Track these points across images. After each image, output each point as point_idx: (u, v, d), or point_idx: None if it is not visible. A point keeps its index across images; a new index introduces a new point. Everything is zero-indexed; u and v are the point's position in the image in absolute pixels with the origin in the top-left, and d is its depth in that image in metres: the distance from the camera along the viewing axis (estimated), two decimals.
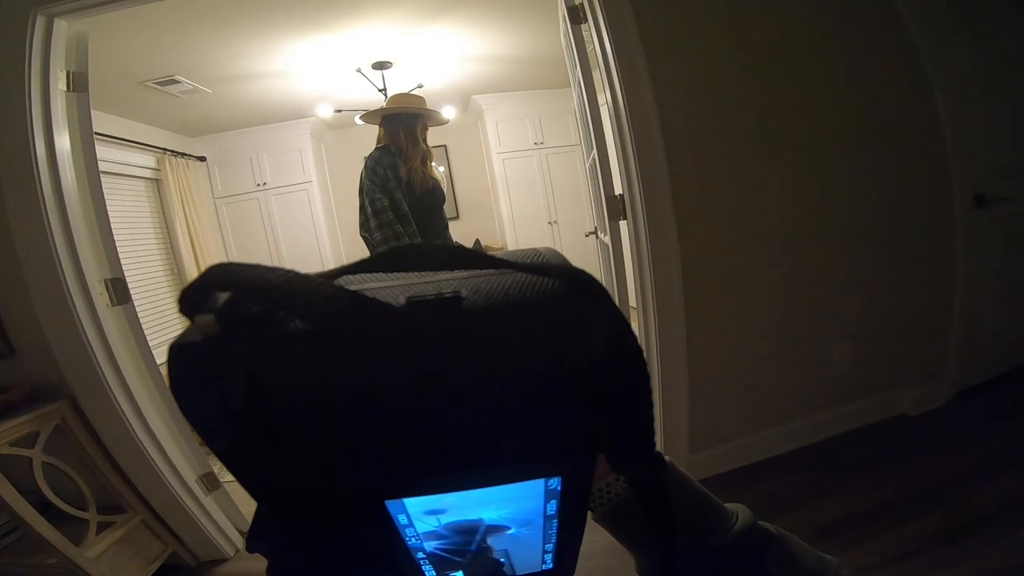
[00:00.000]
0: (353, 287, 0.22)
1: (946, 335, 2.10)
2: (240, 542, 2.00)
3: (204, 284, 0.19)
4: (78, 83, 1.62)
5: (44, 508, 1.53)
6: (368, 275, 0.25)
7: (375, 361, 0.20)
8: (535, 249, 0.28)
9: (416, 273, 0.25)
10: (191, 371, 0.19)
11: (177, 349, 0.19)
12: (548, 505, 0.27)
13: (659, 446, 1.87)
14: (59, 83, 1.55)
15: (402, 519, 0.26)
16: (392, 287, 0.23)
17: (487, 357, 0.20)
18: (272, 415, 0.20)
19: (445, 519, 0.27)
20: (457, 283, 0.23)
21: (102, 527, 1.67)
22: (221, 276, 0.19)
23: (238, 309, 0.20)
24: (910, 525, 1.52)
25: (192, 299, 0.20)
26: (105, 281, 1.65)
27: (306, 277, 0.19)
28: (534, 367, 0.20)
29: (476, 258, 0.23)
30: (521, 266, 0.23)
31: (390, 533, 0.27)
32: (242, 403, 0.19)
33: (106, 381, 1.61)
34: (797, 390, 2.01)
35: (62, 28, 1.56)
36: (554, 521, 0.28)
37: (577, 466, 0.25)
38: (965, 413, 2.09)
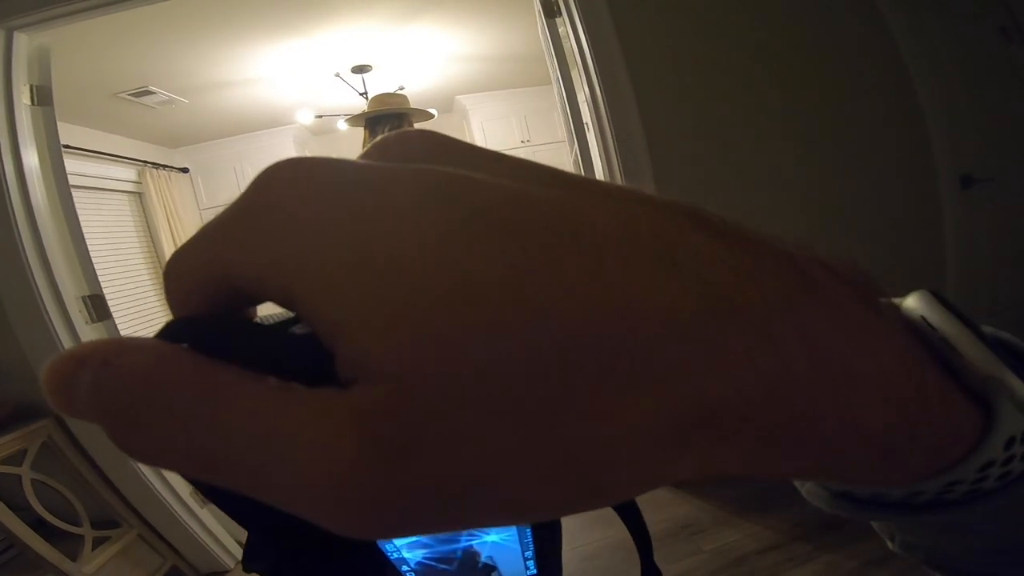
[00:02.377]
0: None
1: None
2: (239, 553, 1.99)
3: (164, 338, 0.20)
4: (42, 97, 1.61)
5: (39, 526, 1.52)
6: None
7: None
8: None
9: None
10: None
11: None
12: None
13: None
14: (23, 97, 1.54)
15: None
16: None
17: None
18: None
19: None
20: None
21: (98, 542, 1.65)
22: (179, 329, 0.20)
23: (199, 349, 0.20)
24: None
25: None
26: (83, 298, 1.64)
27: (265, 329, 0.19)
28: None
29: None
30: None
31: (372, 551, 0.27)
32: None
33: None
34: None
35: (23, 42, 1.54)
36: (527, 528, 0.28)
37: None
38: None
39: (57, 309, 1.54)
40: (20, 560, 1.57)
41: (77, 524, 1.63)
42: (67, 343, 1.56)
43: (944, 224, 1.98)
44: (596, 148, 1.74)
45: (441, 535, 0.28)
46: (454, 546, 0.29)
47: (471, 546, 0.29)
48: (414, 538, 0.27)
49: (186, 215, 4.31)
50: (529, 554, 0.30)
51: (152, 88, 3.09)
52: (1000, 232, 2.12)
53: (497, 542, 0.29)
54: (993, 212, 2.08)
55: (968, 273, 2.06)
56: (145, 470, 1.72)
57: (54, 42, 1.68)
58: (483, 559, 0.31)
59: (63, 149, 2.97)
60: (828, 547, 1.45)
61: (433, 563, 0.30)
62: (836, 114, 1.84)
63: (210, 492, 0.21)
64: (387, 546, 0.27)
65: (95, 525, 1.68)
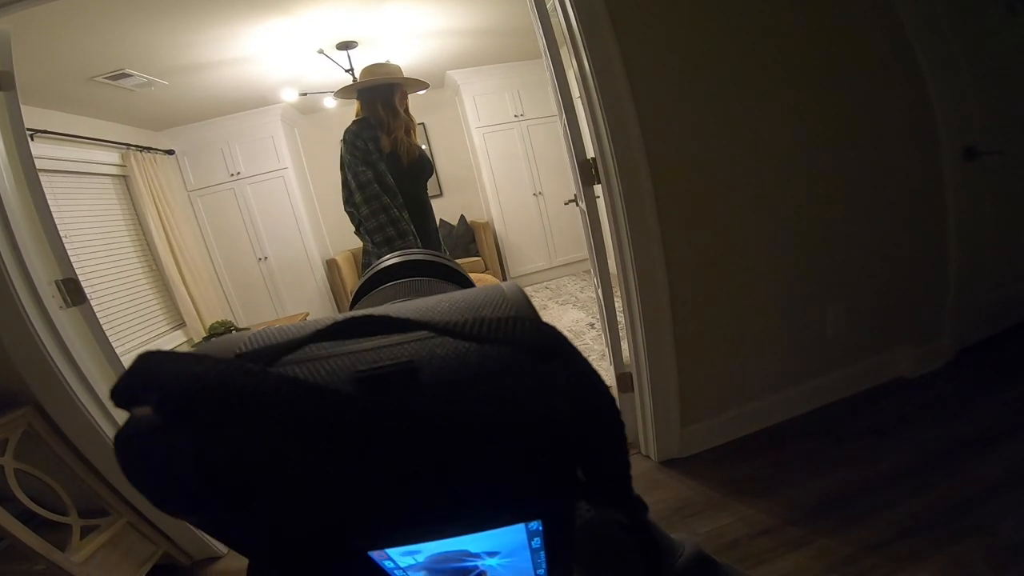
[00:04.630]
0: (294, 365, 0.22)
1: (942, 291, 2.04)
2: None
3: (131, 382, 0.19)
4: (5, 82, 1.55)
5: (26, 516, 1.50)
6: (314, 346, 0.23)
7: (326, 447, 0.20)
8: (500, 289, 0.28)
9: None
10: (137, 461, 0.19)
11: (119, 441, 0.19)
12: (532, 541, 0.27)
13: (649, 422, 1.85)
14: None
15: (388, 564, 0.26)
16: (342, 356, 0.22)
17: (446, 434, 0.20)
18: (227, 494, 0.20)
19: (421, 557, 0.27)
20: (412, 347, 0.22)
21: (86, 531, 1.64)
22: (148, 373, 0.19)
23: (175, 401, 0.19)
24: (915, 498, 1.46)
25: (123, 395, 0.19)
26: (56, 282, 1.59)
27: (238, 368, 0.19)
28: (500, 438, 0.20)
29: (428, 323, 0.22)
30: (483, 336, 0.22)
31: (371, 571, 0.27)
32: (195, 486, 0.19)
33: (68, 385, 1.56)
34: (790, 355, 1.97)
35: None
36: (541, 552, 0.28)
37: (556, 508, 0.25)
38: (967, 373, 2.02)
39: (29, 295, 1.50)
40: (9, 552, 1.55)
41: (64, 513, 1.61)
42: (41, 329, 1.52)
43: (946, 195, 1.94)
44: (586, 122, 1.68)
45: (441, 557, 0.27)
46: (461, 565, 0.29)
47: (476, 566, 0.29)
48: (412, 563, 0.27)
49: (173, 197, 4.27)
50: (542, 572, 0.30)
51: (129, 71, 3.02)
52: (1003, 205, 2.09)
53: (497, 566, 0.29)
54: (996, 184, 2.05)
55: (970, 245, 2.03)
56: None
57: (24, 28, 1.60)
58: None
59: (41, 135, 2.97)
60: (823, 531, 1.42)
61: None
62: (837, 87, 1.79)
63: (206, 525, 0.21)
64: (396, 573, 0.27)
65: (83, 514, 1.66)
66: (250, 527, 0.22)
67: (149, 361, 0.19)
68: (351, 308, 0.41)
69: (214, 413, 0.19)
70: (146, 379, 0.19)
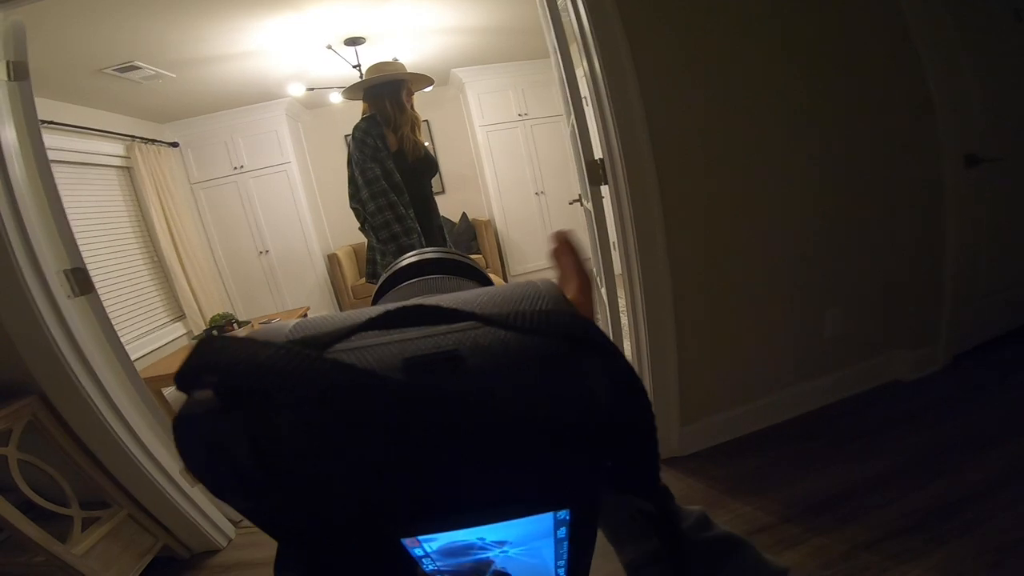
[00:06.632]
0: (345, 352, 0.23)
1: (939, 296, 2.06)
2: (232, 532, 1.99)
3: (196, 366, 0.20)
4: (19, 72, 1.56)
5: (27, 507, 1.50)
6: (362, 333, 0.24)
7: (377, 431, 0.20)
8: (534, 284, 0.28)
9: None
10: (195, 442, 0.20)
11: (179, 422, 0.20)
12: (558, 531, 0.28)
13: None
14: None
15: (418, 552, 0.27)
16: (389, 344, 0.23)
17: (489, 419, 0.20)
18: (281, 478, 0.21)
19: (435, 545, 0.27)
20: (455, 337, 0.23)
21: (87, 523, 1.64)
22: (211, 357, 0.20)
23: (234, 385, 0.20)
24: (908, 498, 1.48)
25: (187, 379, 0.20)
26: (64, 272, 1.60)
27: (298, 354, 0.20)
28: (539, 426, 0.21)
29: (473, 314, 0.23)
30: (525, 327, 0.23)
31: (408, 564, 0.28)
32: (249, 469, 0.20)
33: (74, 375, 1.56)
34: (789, 357, 1.98)
35: None
36: (565, 543, 0.29)
37: (585, 498, 0.26)
38: (962, 378, 2.04)
39: (38, 284, 1.50)
40: (9, 543, 1.56)
41: (65, 505, 1.61)
42: (49, 318, 1.52)
43: (946, 202, 1.96)
44: (594, 122, 1.69)
45: (456, 547, 0.28)
46: (471, 558, 0.29)
47: (487, 558, 0.30)
48: (430, 550, 0.27)
49: (176, 189, 4.26)
50: (562, 563, 0.31)
51: (138, 63, 3.03)
52: (1005, 213, 2.10)
53: (513, 555, 0.30)
54: (996, 191, 2.06)
55: (968, 251, 2.04)
56: (134, 449, 1.71)
57: (36, 20, 1.61)
58: (495, 568, 0.31)
59: (47, 125, 2.97)
60: (818, 529, 1.44)
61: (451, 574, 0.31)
62: (842, 92, 1.80)
63: (253, 512, 0.22)
64: (424, 561, 0.28)
65: (84, 506, 1.66)
66: (292, 513, 0.22)
67: (211, 346, 0.20)
68: (373, 306, 0.43)
69: (273, 395, 0.20)
70: (208, 363, 0.20)
